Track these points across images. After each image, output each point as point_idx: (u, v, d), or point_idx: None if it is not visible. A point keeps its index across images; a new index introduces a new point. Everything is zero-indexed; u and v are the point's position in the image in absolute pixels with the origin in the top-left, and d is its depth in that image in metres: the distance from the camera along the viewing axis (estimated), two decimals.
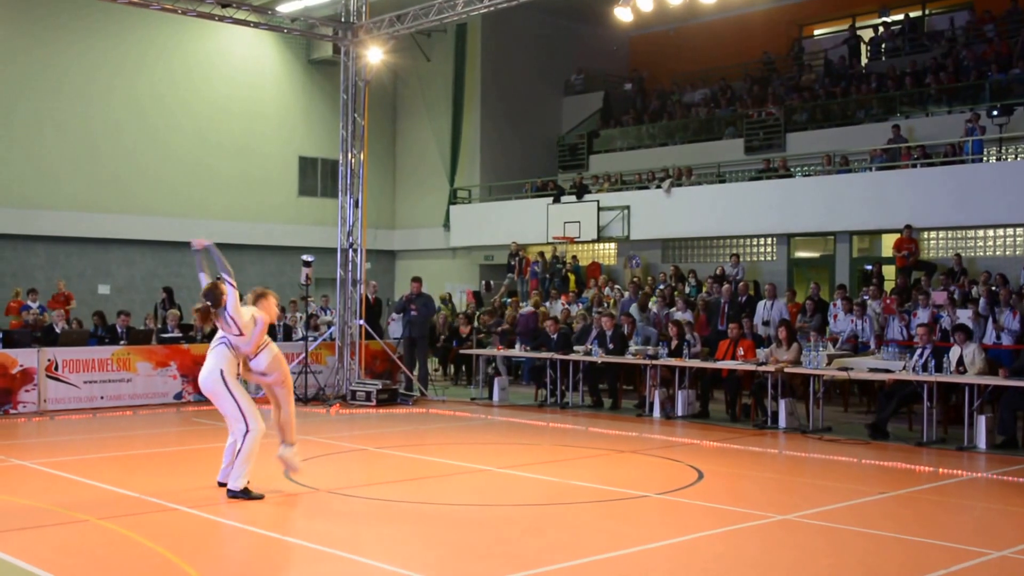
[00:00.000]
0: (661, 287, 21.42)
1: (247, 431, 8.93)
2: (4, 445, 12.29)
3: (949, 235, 20.44)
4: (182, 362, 16.55)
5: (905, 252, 19.22)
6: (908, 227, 19.26)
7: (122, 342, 16.62)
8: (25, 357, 15.09)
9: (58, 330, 16.65)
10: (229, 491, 8.95)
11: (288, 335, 18.62)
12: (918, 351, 13.27)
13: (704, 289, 20.59)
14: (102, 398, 15.73)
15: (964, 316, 15.68)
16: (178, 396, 16.51)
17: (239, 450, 8.95)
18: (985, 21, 24.52)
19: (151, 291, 23.98)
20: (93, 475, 10.13)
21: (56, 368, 15.34)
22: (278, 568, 6.98)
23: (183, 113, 26.59)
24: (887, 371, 13.47)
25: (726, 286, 18.93)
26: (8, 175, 23.82)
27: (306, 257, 17.62)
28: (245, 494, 8.91)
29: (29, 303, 18.93)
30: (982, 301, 16.30)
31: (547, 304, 22.28)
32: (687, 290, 21.19)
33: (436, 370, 21.49)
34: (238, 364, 9.14)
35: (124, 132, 25.55)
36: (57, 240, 24.55)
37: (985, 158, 20.24)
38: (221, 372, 8.94)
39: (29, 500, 8.99)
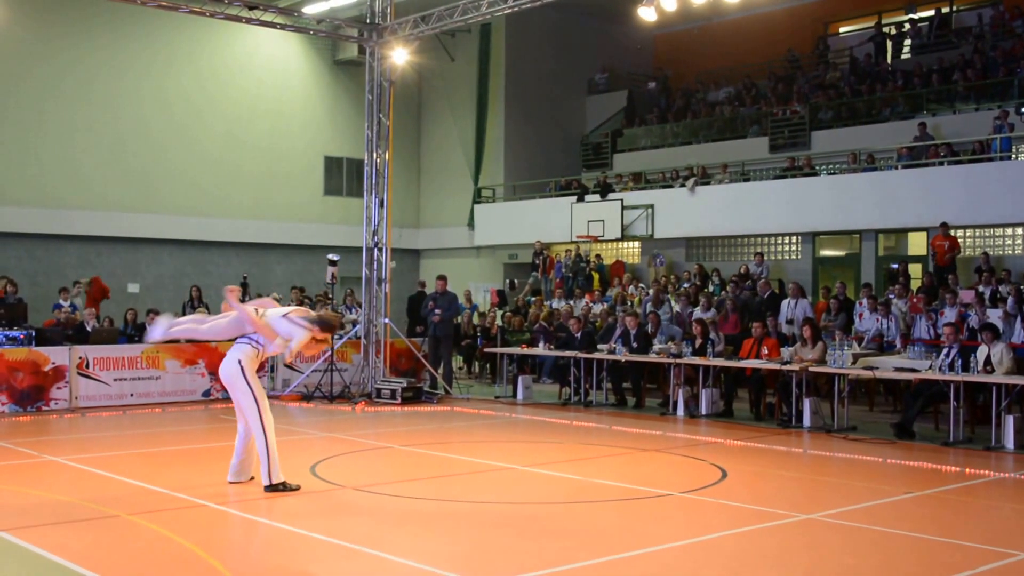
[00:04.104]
0: (685, 285, 21.42)
1: (262, 424, 9.07)
2: (37, 441, 12.48)
3: (977, 233, 20.32)
4: (210, 360, 16.70)
5: (950, 252, 18.91)
6: (944, 224, 19.06)
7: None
8: (57, 355, 15.32)
9: (89, 328, 16.85)
10: (266, 486, 9.07)
11: None
12: (945, 350, 13.20)
13: (727, 288, 20.57)
14: (132, 395, 15.93)
15: (994, 316, 15.59)
16: (206, 393, 16.68)
17: (262, 447, 9.07)
18: (1014, 17, 24.35)
19: (179, 289, 24.19)
20: (123, 471, 10.26)
21: (87, 366, 15.55)
22: (304, 564, 7.04)
23: (211, 114, 26.84)
24: (913, 370, 13.43)
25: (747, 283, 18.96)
26: (40, 176, 24.14)
27: (332, 256, 17.75)
28: (283, 487, 9.07)
29: (60, 302, 19.14)
30: (1010, 300, 16.21)
31: (570, 303, 22.35)
32: (711, 288, 21.18)
33: (460, 368, 21.57)
34: (258, 359, 9.27)
35: (153, 133, 25.84)
36: (88, 239, 24.86)
37: (1014, 155, 20.08)
38: (240, 363, 9.09)
39: (61, 495, 9.12)
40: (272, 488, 9.05)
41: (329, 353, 17.19)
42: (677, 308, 19.44)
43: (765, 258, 22.05)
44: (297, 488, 9.17)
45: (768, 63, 28.55)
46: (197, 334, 9.88)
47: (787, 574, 6.89)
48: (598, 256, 25.49)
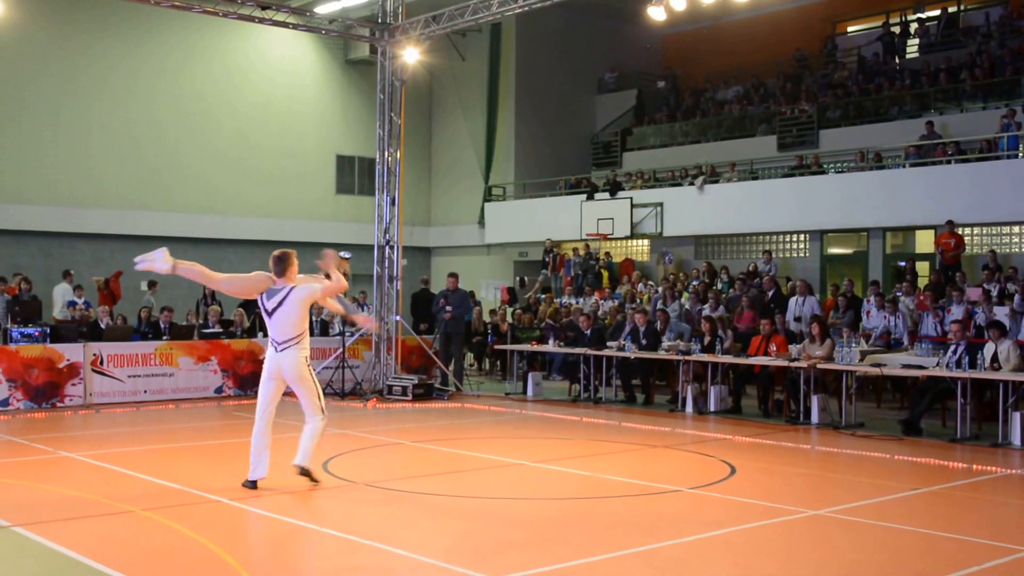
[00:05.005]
0: (694, 283, 21.50)
1: (322, 413, 9.34)
2: (52, 437, 12.63)
3: (984, 231, 20.36)
4: (223, 357, 16.87)
5: (956, 250, 18.95)
6: (950, 222, 19.12)
7: (165, 337, 16.95)
8: (72, 352, 15.48)
9: (103, 326, 17.00)
10: (303, 468, 9.29)
11: (325, 330, 18.89)
12: (952, 347, 13.26)
13: (735, 285, 20.65)
14: (145, 392, 16.08)
15: (1001, 313, 15.64)
16: (219, 390, 16.82)
17: (312, 434, 9.31)
18: (1021, 16, 24.37)
19: (193, 287, 24.27)
20: (137, 467, 10.37)
21: (101, 363, 15.71)
22: (315, 558, 7.13)
23: (224, 113, 27.01)
24: (920, 367, 13.50)
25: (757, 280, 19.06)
26: (54, 174, 24.33)
27: (343, 254, 17.79)
28: (311, 475, 9.35)
29: (75, 299, 19.30)
30: (1017, 297, 16.26)
31: (578, 300, 22.46)
32: (719, 286, 21.27)
33: (471, 365, 21.67)
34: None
35: (166, 131, 26.02)
36: (101, 237, 25.02)
37: (1021, 154, 20.09)
38: (306, 361, 9.27)
39: (75, 491, 9.24)
40: (306, 472, 9.29)
41: (341, 350, 17.34)
42: (687, 305, 19.54)
43: (773, 256, 22.12)
44: (318, 482, 9.36)
45: (776, 62, 28.60)
46: (209, 281, 9.72)
47: (794, 570, 6.96)
48: (607, 254, 25.57)
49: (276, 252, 9.43)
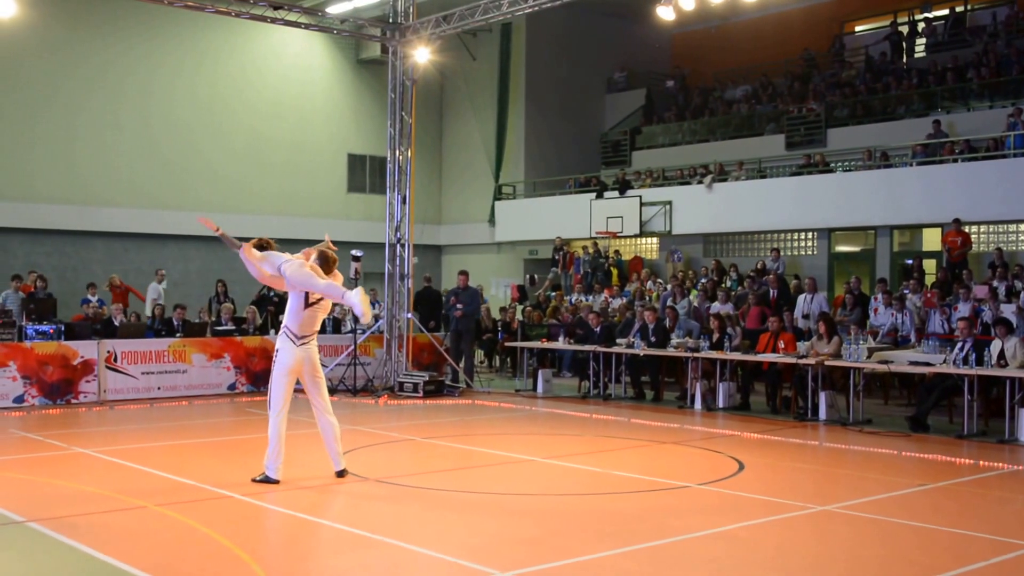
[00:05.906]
0: (703, 281, 21.59)
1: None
2: (66, 434, 12.76)
3: (990, 229, 20.40)
4: (235, 354, 17.02)
5: (963, 248, 18.98)
6: (957, 220, 19.17)
7: (178, 335, 17.08)
8: (86, 349, 15.61)
9: (117, 323, 17.13)
10: (342, 470, 9.58)
11: (337, 328, 19.00)
12: (959, 344, 13.33)
13: (744, 283, 20.74)
14: (159, 389, 16.21)
15: (1007, 311, 15.69)
16: (231, 387, 16.96)
17: (339, 435, 9.59)
18: None
19: (205, 285, 24.48)
20: (151, 463, 10.46)
21: (115, 360, 15.84)
22: (327, 553, 7.21)
23: (237, 112, 27.17)
24: (928, 364, 13.57)
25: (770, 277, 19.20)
26: (71, 173, 24.54)
27: (355, 252, 17.96)
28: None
29: (88, 296, 19.46)
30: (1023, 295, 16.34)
31: (589, 298, 22.56)
32: (728, 284, 21.34)
33: (482, 362, 21.78)
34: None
35: (180, 131, 26.21)
36: (115, 235, 25.21)
37: None
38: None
39: (89, 486, 9.35)
40: (344, 472, 9.56)
41: (353, 347, 17.47)
42: (695, 303, 19.62)
43: (781, 254, 22.18)
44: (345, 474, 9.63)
45: (785, 62, 28.63)
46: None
47: (800, 565, 7.04)
48: (617, 252, 25.67)
49: (325, 252, 9.66)
